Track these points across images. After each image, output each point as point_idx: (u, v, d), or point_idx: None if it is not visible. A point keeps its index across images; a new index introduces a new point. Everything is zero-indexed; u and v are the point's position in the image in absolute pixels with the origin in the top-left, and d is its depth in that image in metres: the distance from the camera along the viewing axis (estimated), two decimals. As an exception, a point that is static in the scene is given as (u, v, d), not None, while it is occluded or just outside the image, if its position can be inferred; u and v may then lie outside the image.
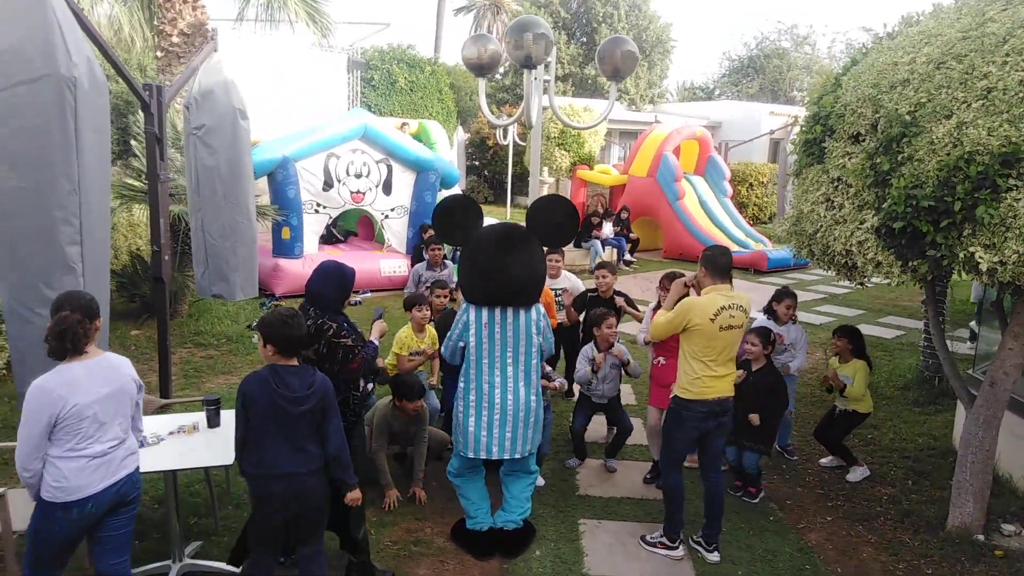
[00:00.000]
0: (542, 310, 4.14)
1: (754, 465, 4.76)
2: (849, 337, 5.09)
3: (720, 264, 3.95)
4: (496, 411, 3.98)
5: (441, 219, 4.16)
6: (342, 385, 3.64)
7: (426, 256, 7.40)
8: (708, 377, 3.92)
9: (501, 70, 28.37)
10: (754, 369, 4.72)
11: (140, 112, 4.66)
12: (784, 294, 5.38)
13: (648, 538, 4.23)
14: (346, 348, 3.63)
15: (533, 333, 4.05)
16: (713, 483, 4.13)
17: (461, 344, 4.05)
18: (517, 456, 4.06)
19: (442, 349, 4.26)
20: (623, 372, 5.11)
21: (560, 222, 4.17)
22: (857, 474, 5.15)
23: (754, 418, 4.58)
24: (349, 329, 3.69)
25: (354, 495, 3.29)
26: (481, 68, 5.68)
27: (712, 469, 4.14)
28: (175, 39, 9.67)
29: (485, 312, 3.99)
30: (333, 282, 3.71)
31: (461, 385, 4.08)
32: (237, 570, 3.73)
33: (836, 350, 5.19)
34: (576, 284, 6.20)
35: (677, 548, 4.13)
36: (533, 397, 4.07)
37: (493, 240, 4.03)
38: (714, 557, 4.10)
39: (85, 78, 3.60)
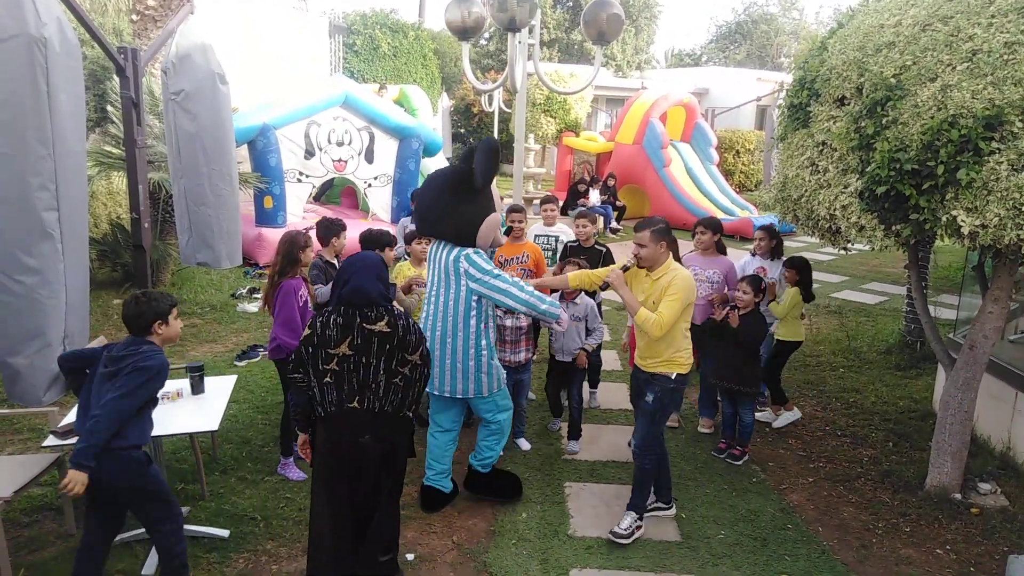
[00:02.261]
0: (474, 259, 3.90)
1: (751, 419, 4.88)
2: (796, 268, 5.31)
3: (674, 237, 4.01)
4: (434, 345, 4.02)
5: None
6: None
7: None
8: (690, 345, 3.99)
9: (486, 35, 27.98)
10: (740, 314, 4.81)
11: (117, 77, 4.55)
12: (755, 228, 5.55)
13: (621, 529, 3.94)
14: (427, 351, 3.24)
15: (451, 273, 3.93)
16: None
17: None
18: (442, 394, 4.03)
19: None
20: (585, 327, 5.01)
21: (477, 157, 3.94)
22: (784, 419, 5.29)
23: (734, 317, 4.74)
24: None
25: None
26: (465, 32, 5.60)
27: None
28: (151, 2, 9.42)
29: (433, 246, 4.13)
30: (380, 273, 3.14)
31: None
32: (224, 533, 3.76)
33: (786, 279, 5.38)
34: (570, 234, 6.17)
35: (643, 521, 4.07)
36: (450, 340, 3.94)
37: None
38: (672, 510, 4.21)
39: (56, 39, 3.51)
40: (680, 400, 4.04)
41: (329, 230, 4.93)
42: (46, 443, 3.37)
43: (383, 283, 3.09)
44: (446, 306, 3.99)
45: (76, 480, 2.75)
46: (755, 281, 4.85)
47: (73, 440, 3.33)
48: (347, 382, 2.96)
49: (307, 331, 3.00)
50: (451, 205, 3.93)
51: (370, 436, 3.01)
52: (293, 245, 4.29)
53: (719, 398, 5.18)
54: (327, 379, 2.96)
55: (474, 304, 3.95)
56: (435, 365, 3.99)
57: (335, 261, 4.93)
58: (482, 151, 3.91)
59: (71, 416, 3.51)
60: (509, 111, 17.81)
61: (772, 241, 5.57)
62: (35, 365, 3.80)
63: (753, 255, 5.71)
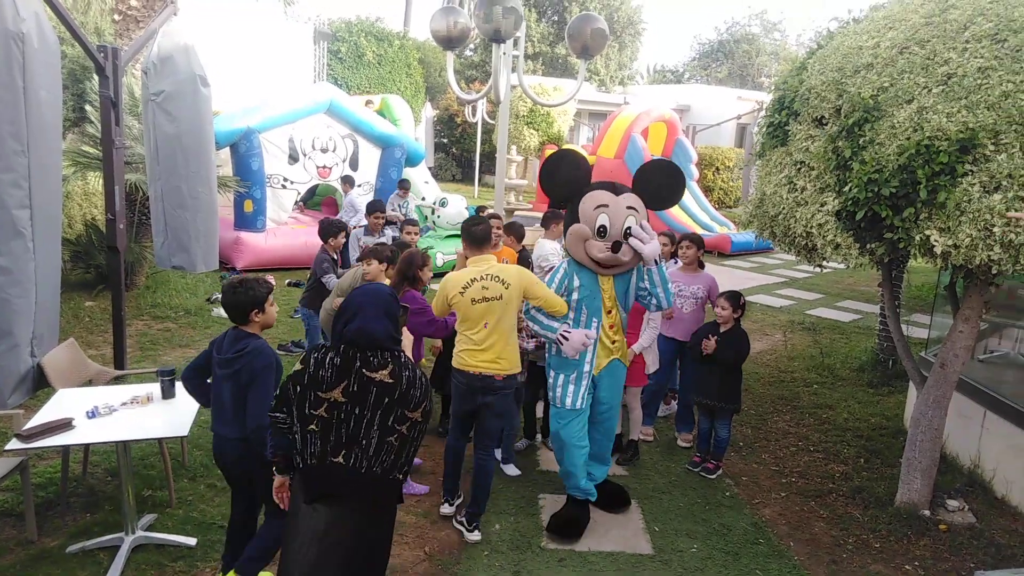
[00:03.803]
0: None
1: (726, 434, 4.87)
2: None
3: (474, 235, 3.97)
4: None
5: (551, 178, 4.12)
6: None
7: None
8: (470, 349, 3.91)
9: (471, 46, 28.10)
10: (722, 331, 4.81)
11: (96, 76, 4.49)
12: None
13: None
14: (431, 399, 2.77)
15: None
16: (481, 459, 4.03)
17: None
18: None
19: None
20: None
21: (665, 183, 4.17)
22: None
23: (708, 344, 4.71)
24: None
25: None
26: (450, 41, 5.60)
27: (481, 447, 4.05)
28: (133, 2, 9.34)
29: None
30: (390, 309, 2.70)
31: None
32: (191, 541, 3.70)
33: None
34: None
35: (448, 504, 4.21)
36: None
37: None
38: (475, 536, 3.98)
39: (34, 35, 3.47)
40: (457, 399, 4.10)
41: (328, 231, 5.91)
42: (9, 447, 3.28)
43: (392, 321, 2.67)
44: None
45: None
46: (733, 297, 4.86)
47: (37, 444, 3.26)
48: (335, 433, 2.54)
49: (299, 366, 2.62)
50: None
51: (343, 502, 2.60)
52: (411, 264, 4.31)
53: (696, 413, 5.19)
54: (312, 426, 2.55)
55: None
56: None
57: (336, 256, 5.89)
58: None
59: (36, 419, 3.43)
60: (492, 122, 17.86)
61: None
62: (1, 366, 3.73)
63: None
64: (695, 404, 5.11)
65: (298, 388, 2.57)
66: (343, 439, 2.54)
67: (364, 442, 2.54)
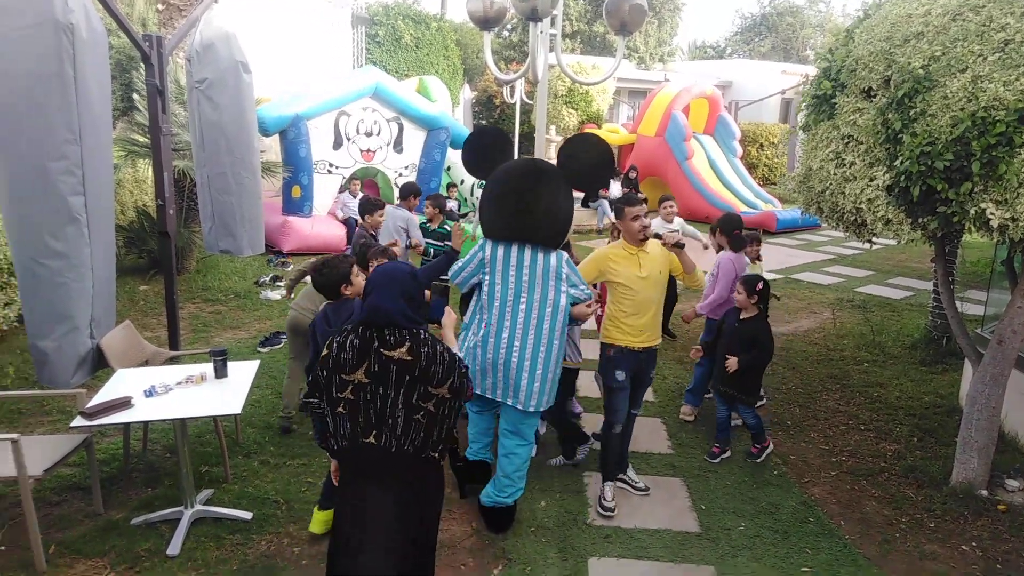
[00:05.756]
0: (573, 265, 3.93)
1: (753, 420, 4.74)
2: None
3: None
4: (501, 352, 3.79)
5: (474, 149, 4.20)
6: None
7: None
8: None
9: (508, 26, 27.92)
10: (742, 317, 4.67)
11: (143, 66, 4.60)
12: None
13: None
14: (464, 375, 2.69)
15: (551, 281, 3.81)
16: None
17: (474, 280, 3.92)
18: (518, 406, 3.82)
19: (451, 273, 4.05)
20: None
21: (594, 163, 3.96)
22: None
23: (731, 363, 4.55)
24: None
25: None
26: (487, 21, 5.57)
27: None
28: (177, -8, 9.52)
29: (501, 249, 3.81)
30: (407, 289, 2.62)
31: (470, 320, 3.97)
32: (247, 515, 3.82)
33: None
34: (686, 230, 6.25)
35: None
36: (543, 350, 3.80)
37: (517, 174, 3.86)
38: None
39: (83, 26, 3.56)
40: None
41: (365, 208, 6.04)
42: (74, 424, 3.42)
43: (410, 301, 2.61)
44: (540, 316, 3.81)
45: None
46: (748, 282, 4.62)
47: (100, 421, 3.38)
48: (363, 414, 2.56)
49: (324, 351, 2.63)
50: (566, 206, 3.92)
51: (381, 482, 2.59)
52: None
53: (715, 399, 5.01)
54: (340, 409, 2.58)
55: (553, 303, 3.85)
56: (520, 379, 3.81)
57: (374, 233, 5.99)
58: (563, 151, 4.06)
59: (98, 398, 3.56)
60: (531, 102, 17.74)
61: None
62: (63, 348, 3.88)
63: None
64: (713, 390, 4.97)
65: (324, 372, 2.59)
66: (371, 419, 2.55)
67: (391, 421, 2.55)
